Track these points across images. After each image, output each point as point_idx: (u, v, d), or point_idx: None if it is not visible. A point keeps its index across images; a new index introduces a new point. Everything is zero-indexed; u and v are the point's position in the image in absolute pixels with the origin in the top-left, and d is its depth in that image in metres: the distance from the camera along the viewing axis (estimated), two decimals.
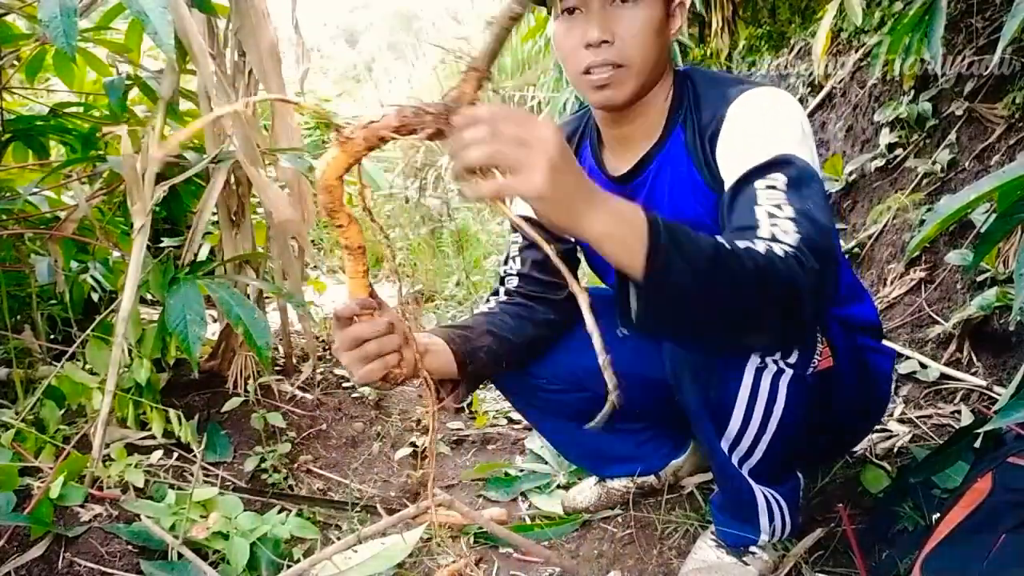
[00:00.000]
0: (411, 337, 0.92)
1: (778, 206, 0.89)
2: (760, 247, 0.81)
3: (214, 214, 1.68)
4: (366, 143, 0.72)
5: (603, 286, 1.39)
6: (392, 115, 0.70)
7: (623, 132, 1.16)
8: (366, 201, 0.80)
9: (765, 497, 1.14)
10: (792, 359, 1.01)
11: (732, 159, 0.99)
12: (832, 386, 1.07)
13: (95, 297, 1.92)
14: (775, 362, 1.01)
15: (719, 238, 0.80)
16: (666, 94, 1.13)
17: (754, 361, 1.01)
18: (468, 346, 1.11)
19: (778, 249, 0.82)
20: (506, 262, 1.33)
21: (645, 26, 1.04)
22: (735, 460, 1.10)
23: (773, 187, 0.91)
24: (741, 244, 0.80)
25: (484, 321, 1.20)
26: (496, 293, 1.31)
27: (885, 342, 1.29)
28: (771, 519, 1.15)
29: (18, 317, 1.75)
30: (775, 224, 0.87)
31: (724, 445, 1.09)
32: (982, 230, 1.78)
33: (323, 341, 2.31)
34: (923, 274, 1.99)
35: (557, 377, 1.33)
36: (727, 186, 0.98)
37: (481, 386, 1.24)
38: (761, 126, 0.99)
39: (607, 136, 1.20)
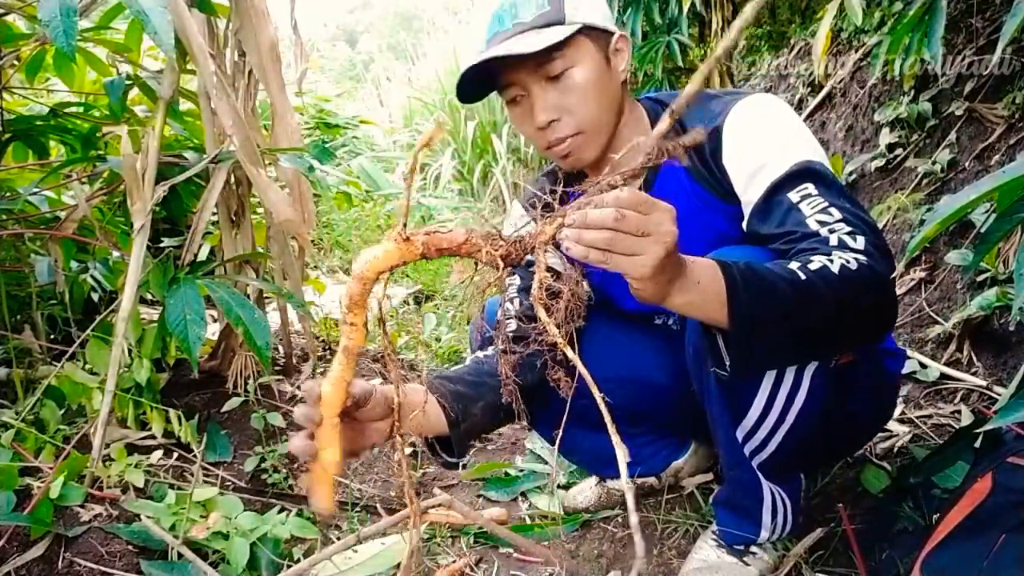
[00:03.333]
0: (396, 405, 0.85)
1: (825, 211, 0.92)
2: (834, 265, 0.85)
3: (214, 214, 1.68)
4: (423, 249, 0.71)
5: None
6: (460, 232, 0.72)
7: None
8: (382, 313, 0.77)
9: (772, 493, 1.14)
10: None
11: (749, 172, 1.00)
12: (849, 382, 1.08)
13: (95, 297, 1.92)
14: None
15: (795, 269, 0.84)
16: (637, 124, 1.13)
17: None
18: (461, 403, 1.08)
19: (850, 260, 0.86)
20: (502, 304, 1.28)
21: (584, 89, 1.04)
22: (747, 452, 1.10)
23: (808, 195, 0.94)
24: (814, 266, 0.84)
25: (482, 371, 1.17)
26: (492, 342, 1.25)
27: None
28: (774, 516, 1.15)
29: (18, 317, 1.75)
30: (833, 231, 0.90)
31: (739, 435, 1.08)
32: (982, 230, 1.78)
33: (323, 341, 2.31)
34: (923, 274, 1.99)
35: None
36: (750, 199, 1.00)
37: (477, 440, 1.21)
38: (768, 135, 1.00)
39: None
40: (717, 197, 1.08)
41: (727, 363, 0.88)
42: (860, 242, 0.89)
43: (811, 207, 0.93)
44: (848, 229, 0.90)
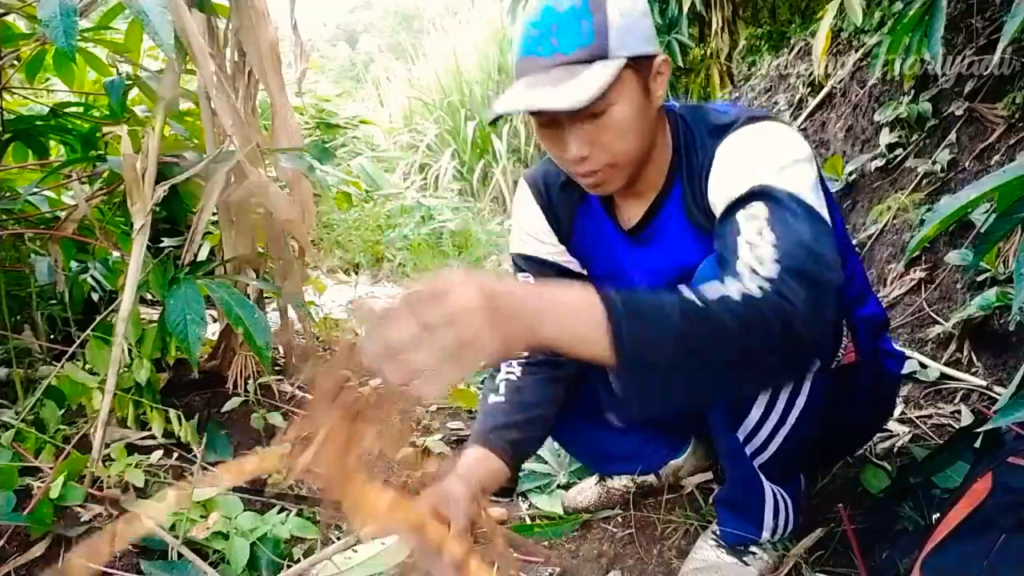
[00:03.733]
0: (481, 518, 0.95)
1: (759, 233, 0.85)
2: (734, 291, 0.77)
3: (214, 214, 1.68)
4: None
5: None
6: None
7: (626, 191, 1.11)
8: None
9: (773, 494, 1.14)
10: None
11: (718, 196, 0.98)
12: (849, 383, 1.08)
13: (95, 297, 1.92)
14: None
15: (690, 295, 0.76)
16: (666, 144, 1.09)
17: None
18: (518, 450, 1.13)
19: (754, 288, 0.78)
20: None
21: (623, 127, 0.97)
22: (748, 452, 1.10)
23: (755, 216, 0.88)
24: (714, 295, 0.76)
25: (524, 403, 1.17)
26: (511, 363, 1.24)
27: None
28: (776, 516, 1.15)
29: (18, 317, 1.75)
30: (753, 253, 0.83)
31: (740, 436, 1.08)
32: (982, 230, 1.78)
33: (323, 341, 2.31)
34: (923, 274, 1.99)
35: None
36: (718, 221, 0.97)
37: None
38: (743, 160, 0.96)
39: (615, 193, 1.14)
40: (706, 232, 1.04)
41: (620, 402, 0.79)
42: (771, 268, 0.80)
43: (750, 227, 0.87)
44: (772, 255, 0.82)
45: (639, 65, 0.97)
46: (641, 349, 0.72)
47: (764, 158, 0.94)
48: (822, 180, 0.99)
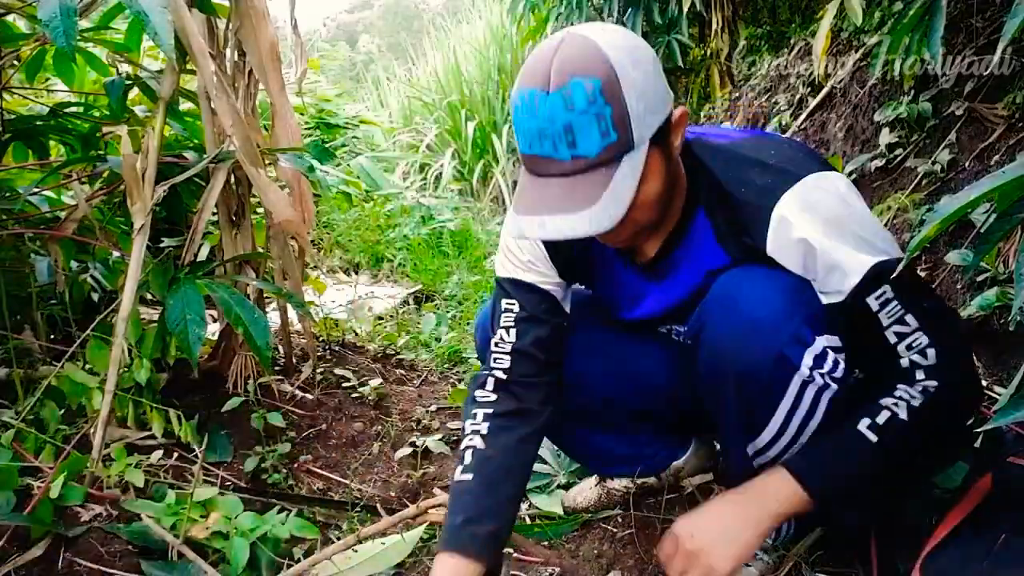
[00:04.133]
0: None
1: (902, 320, 0.94)
2: (901, 410, 0.92)
3: (214, 214, 1.68)
4: None
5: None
6: None
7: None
8: None
9: None
10: (839, 373, 0.99)
11: (819, 273, 0.95)
12: (858, 397, 1.07)
13: (95, 297, 1.92)
14: (822, 376, 0.98)
15: (864, 431, 0.92)
16: (681, 183, 1.03)
17: (802, 374, 0.98)
18: (492, 544, 1.06)
19: (915, 396, 0.93)
20: (494, 331, 1.16)
21: (652, 200, 0.93)
22: (755, 465, 1.09)
23: (887, 300, 0.93)
24: (882, 419, 0.93)
25: (494, 479, 1.09)
26: (483, 385, 1.16)
27: None
28: None
29: (18, 317, 1.75)
30: (910, 347, 0.94)
31: (750, 451, 1.08)
32: (982, 230, 1.78)
33: (323, 341, 2.32)
34: (923, 274, 1.99)
35: (564, 377, 1.32)
36: (827, 295, 0.96)
37: None
38: (835, 235, 0.92)
39: None
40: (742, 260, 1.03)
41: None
42: (931, 356, 0.93)
43: (889, 316, 0.94)
44: (924, 342, 0.93)
45: (661, 135, 0.91)
46: (841, 492, 0.93)
47: (857, 228, 0.93)
48: None
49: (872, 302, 0.93)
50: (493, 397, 1.15)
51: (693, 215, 1.04)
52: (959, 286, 1.89)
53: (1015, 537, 0.89)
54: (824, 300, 0.96)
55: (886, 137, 2.35)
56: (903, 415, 0.92)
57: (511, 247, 1.17)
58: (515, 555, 1.35)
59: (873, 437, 0.91)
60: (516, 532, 1.41)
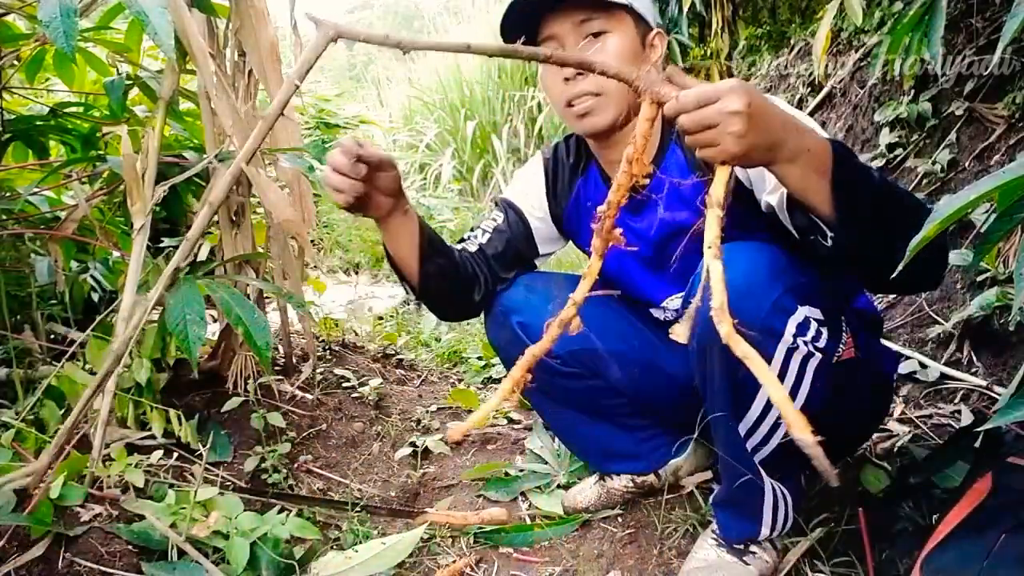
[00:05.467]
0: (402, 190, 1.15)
1: None
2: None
3: (214, 214, 1.68)
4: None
5: (543, 271, 1.47)
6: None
7: (616, 156, 1.18)
8: None
9: (773, 489, 1.14)
10: (822, 343, 1.02)
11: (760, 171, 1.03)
12: (849, 378, 1.09)
13: (95, 297, 1.92)
14: (806, 344, 1.02)
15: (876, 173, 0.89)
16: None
17: (786, 341, 1.01)
18: (432, 248, 1.23)
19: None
20: (473, 229, 1.40)
21: (618, 55, 1.12)
22: (749, 447, 1.10)
23: None
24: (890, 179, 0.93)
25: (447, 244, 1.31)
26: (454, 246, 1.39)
27: (885, 342, 1.31)
28: (775, 512, 1.15)
29: (18, 317, 1.75)
30: None
31: (741, 430, 1.09)
32: (982, 230, 1.78)
33: (323, 341, 2.32)
34: None
35: (574, 358, 1.34)
36: (774, 187, 1.01)
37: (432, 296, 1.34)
38: None
39: (604, 161, 1.27)
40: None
41: (828, 229, 0.91)
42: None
43: None
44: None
45: (638, 21, 1.15)
46: (851, 186, 0.86)
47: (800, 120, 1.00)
48: None
49: None
50: (457, 249, 1.36)
51: (667, 148, 1.21)
52: (959, 286, 1.89)
53: (1015, 537, 0.89)
54: (770, 198, 1.02)
55: (886, 137, 2.35)
56: (896, 184, 0.94)
57: (517, 175, 1.45)
58: (515, 555, 1.36)
59: (877, 176, 0.90)
60: (516, 532, 1.41)
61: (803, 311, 1.00)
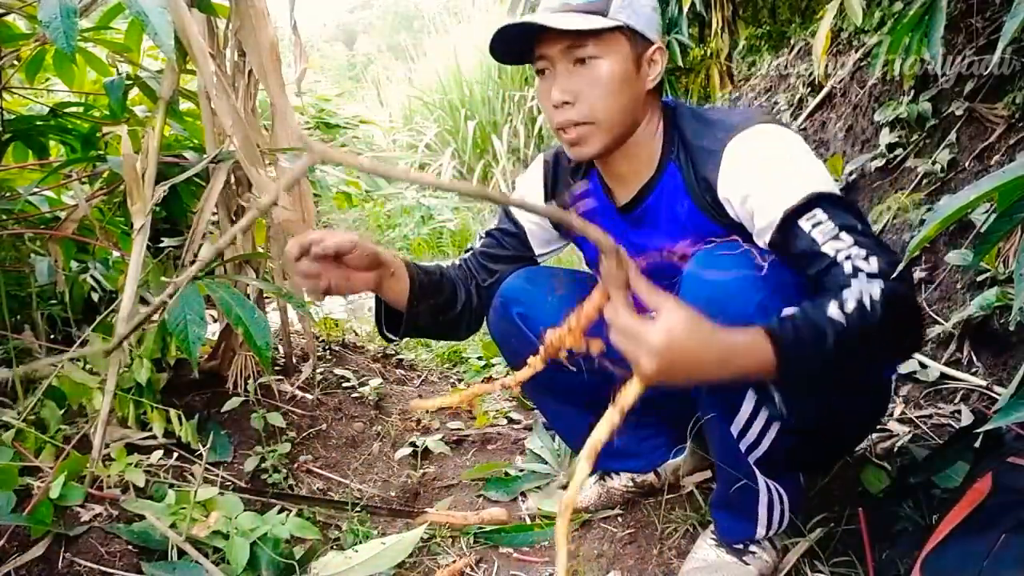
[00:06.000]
0: (381, 259, 1.11)
1: (836, 236, 0.97)
2: (865, 299, 0.91)
3: (214, 214, 1.68)
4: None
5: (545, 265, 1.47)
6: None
7: (615, 170, 1.21)
8: None
9: (768, 489, 1.14)
10: None
11: (754, 207, 1.04)
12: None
13: (95, 297, 1.92)
14: None
15: (834, 316, 0.89)
16: (655, 131, 1.17)
17: None
18: (420, 295, 1.21)
19: (874, 289, 0.91)
20: (475, 242, 1.43)
21: (607, 83, 1.07)
22: (743, 448, 1.10)
23: (818, 222, 0.98)
24: (850, 306, 0.90)
25: (447, 277, 1.31)
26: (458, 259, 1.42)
27: None
28: (771, 512, 1.15)
29: (18, 317, 1.75)
30: (848, 256, 0.95)
31: (733, 431, 1.09)
32: (982, 230, 1.78)
33: (323, 341, 2.32)
34: (923, 274, 1.99)
35: (573, 355, 1.34)
36: (762, 232, 1.04)
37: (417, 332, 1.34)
38: (767, 173, 1.03)
39: (604, 172, 1.25)
40: (710, 220, 1.13)
41: (777, 404, 1.00)
42: (874, 264, 0.94)
43: (822, 234, 0.97)
44: (862, 253, 0.95)
45: (634, 39, 1.08)
46: (803, 371, 0.88)
47: (788, 166, 1.02)
48: None
49: (804, 223, 0.99)
50: (457, 263, 1.38)
51: (665, 167, 1.18)
52: (959, 286, 1.89)
53: (1015, 537, 0.89)
54: (762, 240, 1.04)
55: (886, 137, 2.35)
56: (868, 305, 0.91)
57: (519, 182, 1.43)
58: (515, 555, 1.36)
59: (843, 321, 0.89)
60: (516, 532, 1.41)
61: (788, 311, 0.98)
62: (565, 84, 1.08)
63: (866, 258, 0.95)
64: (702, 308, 1.03)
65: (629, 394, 0.82)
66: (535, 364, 0.94)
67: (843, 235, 0.97)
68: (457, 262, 1.38)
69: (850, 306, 0.90)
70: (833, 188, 1.01)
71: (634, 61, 1.09)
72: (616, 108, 1.09)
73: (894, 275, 0.93)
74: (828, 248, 0.97)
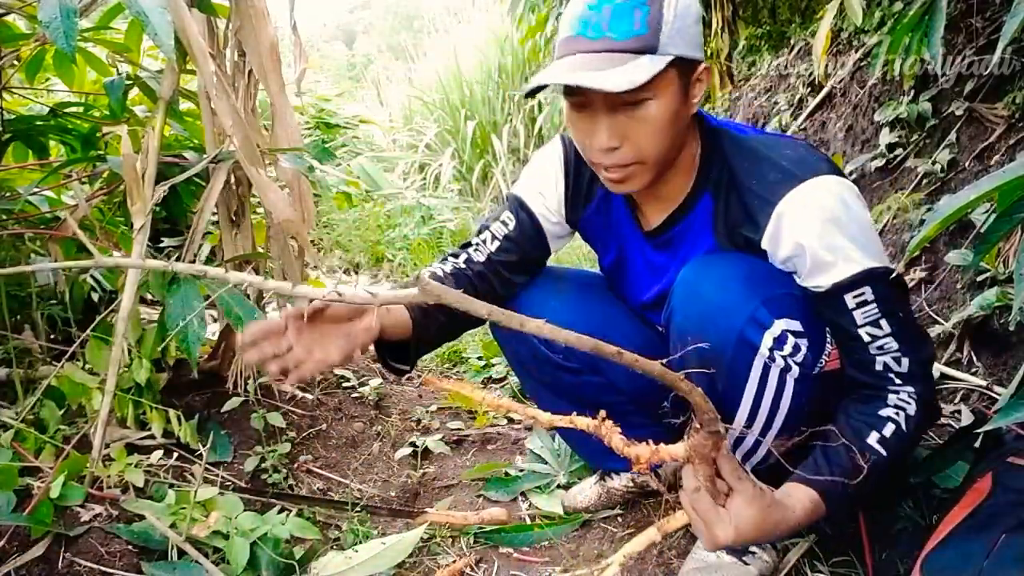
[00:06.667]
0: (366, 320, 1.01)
1: (876, 323, 0.97)
2: (902, 420, 0.97)
3: (214, 214, 1.68)
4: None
5: (553, 267, 1.41)
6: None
7: (649, 191, 1.13)
8: None
9: None
10: (800, 357, 1.01)
11: (800, 264, 1.00)
12: (836, 390, 1.08)
13: (95, 297, 1.92)
14: (783, 358, 1.01)
15: (875, 445, 0.96)
16: (694, 154, 1.09)
17: (762, 355, 1.01)
18: (424, 319, 1.15)
19: (907, 402, 0.98)
20: (481, 232, 1.29)
21: (657, 124, 0.97)
22: (739, 456, 1.10)
23: (864, 302, 0.97)
24: (889, 431, 0.97)
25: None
26: (456, 256, 1.28)
27: None
28: None
29: (18, 317, 1.75)
30: (881, 349, 0.98)
31: (729, 439, 1.09)
32: (982, 230, 1.78)
33: None
34: (923, 274, 1.99)
35: (574, 354, 1.33)
36: (803, 285, 1.02)
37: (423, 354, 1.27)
38: (826, 233, 0.96)
39: (633, 193, 1.17)
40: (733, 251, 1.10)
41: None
42: (904, 365, 0.98)
43: (864, 316, 0.97)
44: (895, 348, 0.97)
45: (683, 67, 0.98)
46: (849, 516, 1.01)
47: (850, 234, 0.96)
48: None
49: (849, 300, 0.97)
50: (463, 266, 1.26)
51: (700, 196, 1.10)
52: (959, 286, 1.89)
53: (1015, 537, 0.89)
54: (804, 284, 1.02)
55: (886, 137, 2.35)
56: (904, 425, 0.96)
57: (534, 171, 1.28)
58: (515, 555, 1.36)
59: (883, 451, 0.95)
60: (516, 532, 1.41)
61: (780, 324, 0.99)
62: (612, 127, 0.98)
63: (898, 358, 0.98)
64: (692, 327, 1.04)
65: (674, 523, 0.86)
66: (583, 425, 0.92)
67: (883, 322, 0.97)
68: (462, 265, 1.26)
69: (889, 430, 0.95)
70: (885, 261, 0.98)
71: (683, 90, 0.99)
72: (667, 146, 1.01)
73: (921, 376, 0.98)
74: (865, 333, 0.97)
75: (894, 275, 0.97)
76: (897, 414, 0.97)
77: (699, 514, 0.83)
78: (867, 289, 0.96)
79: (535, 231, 1.27)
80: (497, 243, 1.26)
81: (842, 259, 0.96)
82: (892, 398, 0.99)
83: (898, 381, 0.99)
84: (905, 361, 0.98)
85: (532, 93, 1.02)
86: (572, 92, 0.99)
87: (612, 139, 0.98)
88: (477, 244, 1.28)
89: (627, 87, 0.90)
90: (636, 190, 1.07)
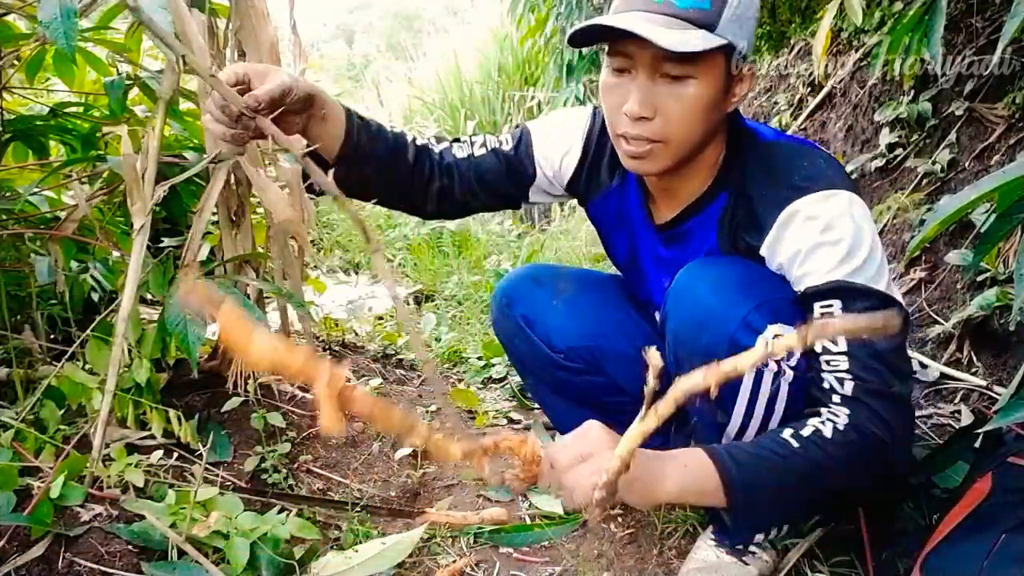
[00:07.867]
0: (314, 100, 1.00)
1: (833, 340, 0.94)
2: (826, 429, 0.91)
3: (214, 214, 1.68)
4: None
5: (550, 264, 1.42)
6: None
7: (665, 185, 1.13)
8: None
9: None
10: (794, 361, 1.01)
11: (789, 271, 1.00)
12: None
13: (95, 297, 1.92)
14: (776, 362, 1.01)
15: (788, 439, 0.91)
16: (718, 154, 1.09)
17: None
18: (361, 137, 1.08)
19: (840, 419, 0.92)
20: (476, 135, 1.26)
21: (693, 106, 0.96)
22: None
23: (829, 314, 0.95)
24: (807, 432, 0.91)
25: (396, 138, 1.15)
26: (439, 141, 1.22)
27: None
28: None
29: (18, 317, 1.75)
30: (829, 364, 0.95)
31: (726, 439, 1.09)
32: (982, 230, 1.78)
33: (323, 341, 2.32)
34: (923, 274, 1.99)
35: (576, 354, 1.33)
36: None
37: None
38: (822, 243, 0.96)
39: (649, 183, 1.16)
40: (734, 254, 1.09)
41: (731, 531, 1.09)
42: (848, 388, 0.93)
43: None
44: (843, 369, 0.94)
45: (732, 57, 0.97)
46: (751, 501, 0.89)
47: (842, 245, 0.95)
48: None
49: (817, 309, 0.96)
50: (437, 152, 1.20)
51: (716, 195, 1.09)
52: (959, 286, 1.89)
53: (1015, 537, 0.89)
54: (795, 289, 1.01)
55: (886, 137, 2.35)
56: (825, 432, 0.91)
57: (555, 124, 1.24)
58: (515, 555, 1.36)
59: (795, 444, 0.91)
60: (516, 532, 1.41)
61: (773, 329, 0.98)
62: (647, 96, 0.96)
63: (842, 380, 0.94)
64: (685, 331, 1.04)
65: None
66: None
67: (841, 339, 0.93)
68: (437, 150, 1.20)
69: (808, 430, 0.91)
70: (876, 283, 0.95)
71: (725, 82, 0.98)
72: (695, 132, 0.99)
73: (867, 403, 0.92)
74: (818, 346, 0.95)
75: (873, 293, 0.94)
76: (823, 423, 0.92)
77: (555, 464, 0.84)
78: (836, 303, 0.95)
79: (523, 167, 1.23)
80: (483, 151, 1.22)
81: (822, 267, 0.96)
82: (824, 412, 0.94)
83: (836, 401, 0.94)
84: (850, 384, 0.93)
85: (579, 42, 1.00)
86: (616, 53, 0.98)
87: (645, 108, 0.96)
88: (465, 142, 1.24)
89: (680, 49, 0.89)
90: (651, 172, 1.05)
